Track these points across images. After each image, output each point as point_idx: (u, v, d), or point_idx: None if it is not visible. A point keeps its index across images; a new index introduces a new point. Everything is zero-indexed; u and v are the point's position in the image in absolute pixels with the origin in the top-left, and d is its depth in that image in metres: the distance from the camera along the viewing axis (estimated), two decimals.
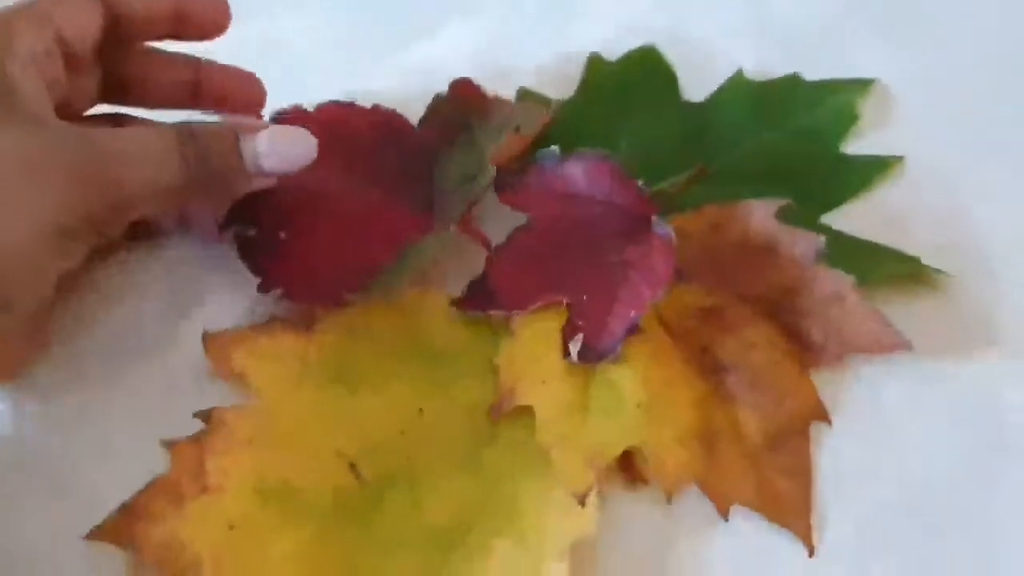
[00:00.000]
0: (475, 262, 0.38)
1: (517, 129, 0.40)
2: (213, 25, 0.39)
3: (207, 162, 0.34)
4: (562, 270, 0.38)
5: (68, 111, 0.36)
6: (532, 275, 0.38)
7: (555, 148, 0.39)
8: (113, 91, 0.39)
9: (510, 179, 0.40)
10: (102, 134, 0.33)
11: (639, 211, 0.38)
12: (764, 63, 0.48)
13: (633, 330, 0.36)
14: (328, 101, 0.43)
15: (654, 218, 0.38)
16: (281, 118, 0.42)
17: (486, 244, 0.39)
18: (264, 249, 0.39)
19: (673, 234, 0.37)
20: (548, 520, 0.34)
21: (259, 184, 0.38)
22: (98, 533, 0.33)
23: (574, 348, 0.36)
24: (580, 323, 0.36)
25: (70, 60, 0.35)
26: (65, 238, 0.31)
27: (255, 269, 0.39)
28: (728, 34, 0.49)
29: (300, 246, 0.39)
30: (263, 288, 0.38)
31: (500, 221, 0.39)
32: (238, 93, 0.40)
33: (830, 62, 0.47)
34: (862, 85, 0.47)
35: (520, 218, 0.39)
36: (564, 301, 0.37)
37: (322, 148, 0.41)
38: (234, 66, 0.41)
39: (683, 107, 0.47)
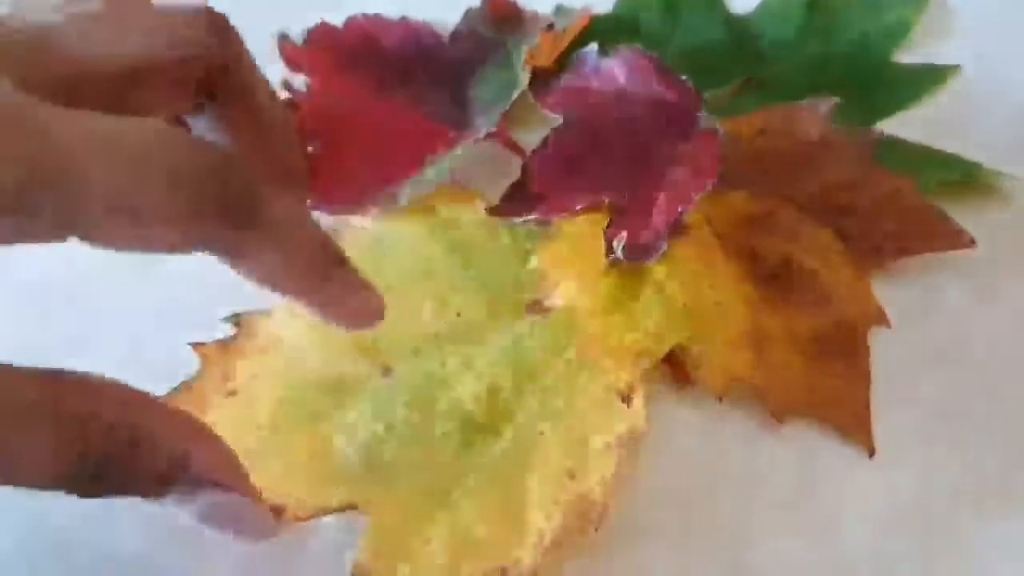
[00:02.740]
0: (511, 172, 0.37)
1: (551, 27, 0.38)
2: None
3: (202, 193, 0.25)
4: (603, 169, 0.36)
5: None
6: (572, 176, 0.36)
7: (594, 45, 0.38)
8: None
9: (546, 81, 0.38)
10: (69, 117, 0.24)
11: (685, 106, 0.36)
12: None
13: (679, 228, 0.35)
14: (356, 15, 0.41)
15: (701, 113, 0.36)
16: (312, 38, 0.40)
17: (520, 152, 0.38)
18: None
19: (720, 128, 0.35)
20: (594, 415, 0.32)
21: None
22: None
23: (618, 245, 0.34)
24: (623, 220, 0.35)
25: None
26: None
27: None
28: None
29: (328, 159, 0.38)
30: None
31: (537, 131, 0.37)
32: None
33: None
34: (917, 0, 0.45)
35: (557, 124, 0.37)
36: (606, 200, 0.35)
37: (353, 65, 0.40)
38: None
39: (729, 19, 0.45)
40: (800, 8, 0.45)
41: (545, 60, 0.39)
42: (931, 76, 0.42)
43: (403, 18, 0.42)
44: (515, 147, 0.38)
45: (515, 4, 0.43)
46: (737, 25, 0.45)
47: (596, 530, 0.30)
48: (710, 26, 0.44)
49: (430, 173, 0.37)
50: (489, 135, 0.38)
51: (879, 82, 0.42)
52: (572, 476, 0.31)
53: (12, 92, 0.24)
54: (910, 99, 0.42)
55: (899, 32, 0.44)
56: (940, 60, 0.43)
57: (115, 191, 0.23)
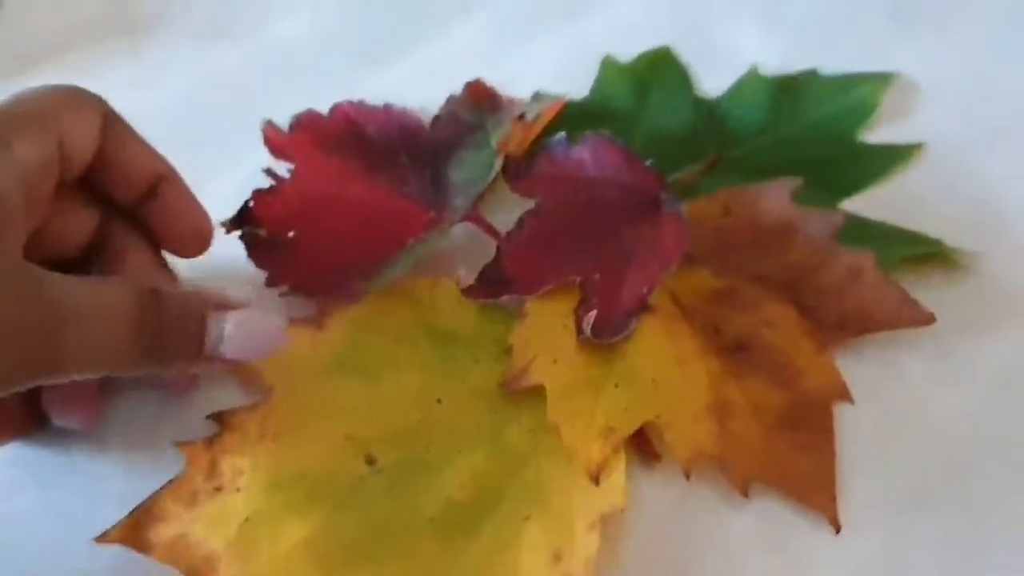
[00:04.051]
0: (485, 254, 0.38)
1: (522, 116, 0.40)
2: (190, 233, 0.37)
3: (163, 339, 0.30)
4: (574, 251, 0.38)
5: (45, 239, 0.33)
6: (544, 258, 0.38)
7: (562, 134, 0.39)
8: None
9: (518, 166, 0.39)
10: (58, 284, 0.28)
11: (648, 189, 0.38)
12: (779, 61, 0.47)
13: (646, 306, 0.36)
14: (341, 102, 0.43)
15: (663, 194, 0.37)
16: (298, 123, 0.42)
17: (494, 234, 0.39)
18: (273, 247, 0.39)
19: (684, 208, 0.37)
20: (575, 497, 0.33)
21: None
22: (109, 536, 0.32)
23: (587, 324, 0.35)
24: (593, 300, 0.36)
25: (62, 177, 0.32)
26: None
27: (263, 266, 0.39)
28: (742, 33, 0.49)
29: (308, 242, 0.39)
30: (270, 283, 0.39)
31: (510, 214, 0.39)
32: (187, 223, 0.36)
33: (847, 56, 0.47)
34: (883, 78, 0.47)
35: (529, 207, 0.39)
36: (576, 280, 0.36)
37: (337, 149, 0.42)
38: (194, 198, 0.37)
39: (698, 103, 0.47)
40: (768, 91, 0.46)
41: (518, 147, 0.40)
42: (895, 154, 0.44)
43: (386, 105, 0.43)
44: (490, 229, 0.39)
45: (494, 90, 0.45)
46: (706, 107, 0.46)
47: None
48: (679, 108, 0.46)
49: (408, 256, 0.38)
50: (465, 217, 0.39)
51: (845, 161, 0.44)
52: (558, 558, 0.32)
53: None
54: (875, 177, 0.43)
55: (864, 111, 0.45)
56: (905, 137, 0.45)
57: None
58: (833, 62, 0.47)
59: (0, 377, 0.27)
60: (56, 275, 0.29)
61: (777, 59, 0.48)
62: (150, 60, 0.48)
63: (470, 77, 0.44)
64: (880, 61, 0.47)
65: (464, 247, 0.40)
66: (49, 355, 0.28)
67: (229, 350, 0.31)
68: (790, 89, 0.47)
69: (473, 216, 0.39)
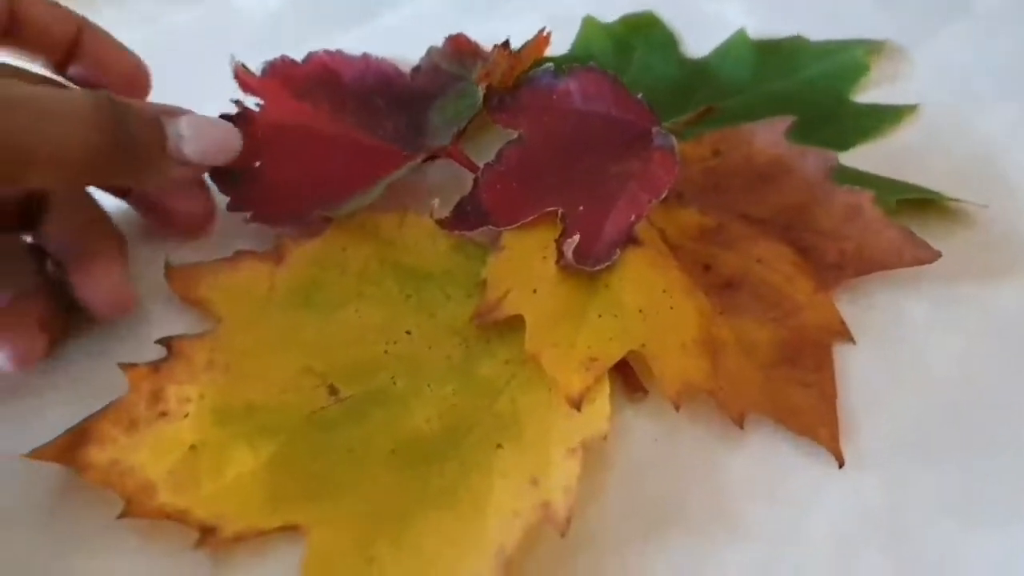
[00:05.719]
0: (461, 190, 0.36)
1: (507, 44, 0.38)
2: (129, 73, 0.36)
3: (127, 134, 0.30)
4: (556, 183, 0.35)
5: None
6: (524, 190, 0.35)
7: (549, 65, 0.37)
8: None
9: (501, 98, 0.37)
10: (14, 83, 0.29)
11: (640, 123, 0.36)
12: (767, 27, 0.46)
13: (631, 237, 0.34)
14: (317, 51, 0.41)
15: (655, 129, 0.35)
16: (271, 68, 0.40)
17: (473, 169, 0.37)
18: (235, 174, 0.36)
19: (676, 143, 0.34)
20: (554, 424, 0.30)
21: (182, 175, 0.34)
22: (41, 453, 0.29)
23: (568, 249, 0.33)
24: (576, 228, 0.34)
25: None
26: None
27: (226, 191, 0.36)
28: (727, 4, 0.48)
29: (274, 172, 0.37)
30: (231, 207, 0.36)
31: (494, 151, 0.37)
32: (120, 67, 0.36)
33: (835, 29, 0.46)
34: (872, 44, 0.45)
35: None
36: (559, 212, 0.34)
37: (309, 93, 0.40)
38: (120, 43, 0.37)
39: (683, 62, 0.45)
40: (753, 53, 0.45)
41: (502, 80, 0.38)
42: (889, 114, 0.42)
43: (364, 54, 0.41)
44: (469, 164, 0.37)
45: (476, 44, 0.43)
46: (692, 65, 0.45)
47: (563, 536, 0.28)
48: (665, 65, 0.44)
49: (376, 190, 0.36)
50: (443, 153, 0.37)
51: (837, 118, 0.42)
52: (535, 483, 0.29)
53: None
54: (868, 135, 0.42)
55: (855, 73, 0.44)
56: (898, 100, 0.43)
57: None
58: (820, 34, 0.46)
59: None
60: (11, 79, 0.29)
61: (763, 30, 0.46)
62: (108, 17, 0.45)
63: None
64: (869, 33, 0.46)
65: (440, 183, 0.38)
66: (14, 152, 0.27)
67: (189, 149, 0.32)
68: (778, 50, 0.45)
69: (451, 152, 0.37)
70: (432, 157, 0.38)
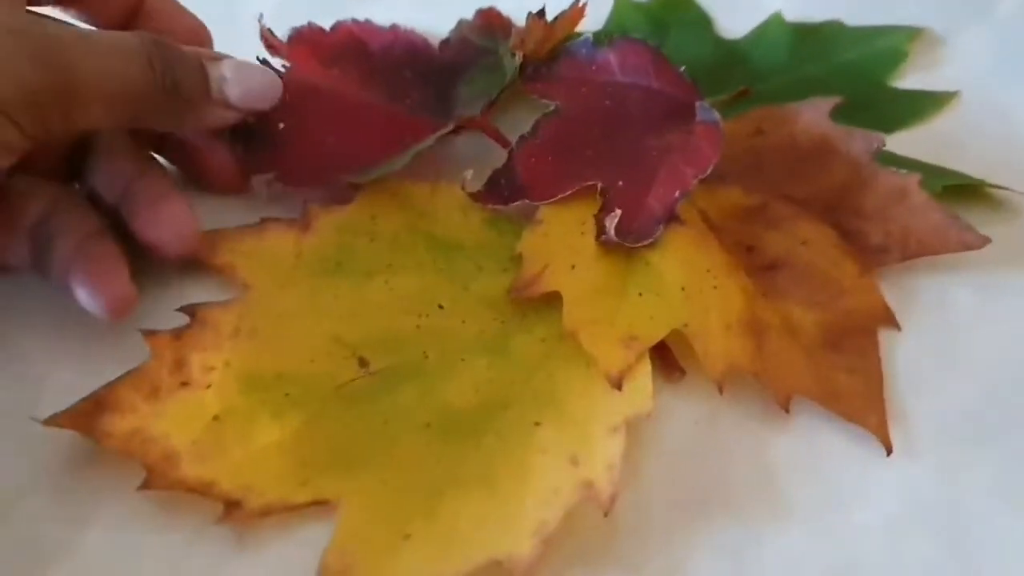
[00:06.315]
0: (494, 163, 0.35)
1: (541, 13, 0.36)
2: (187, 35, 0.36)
3: (173, 72, 0.30)
4: (594, 157, 0.34)
5: None
6: (561, 163, 0.34)
7: (588, 34, 0.36)
8: None
9: (537, 68, 0.36)
10: (57, 22, 0.29)
11: (682, 97, 0.35)
12: (801, 16, 0.45)
13: (673, 214, 0.32)
14: (345, 20, 0.40)
15: (699, 103, 0.34)
16: (297, 35, 0.39)
17: (505, 143, 0.36)
18: (259, 136, 0.35)
19: (720, 118, 0.33)
20: (595, 401, 0.29)
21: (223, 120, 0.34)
22: (57, 420, 0.28)
23: (610, 224, 0.31)
24: (617, 203, 0.32)
25: None
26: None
27: (247, 153, 0.35)
28: None
29: (299, 134, 0.36)
30: (254, 170, 0.35)
31: (526, 125, 0.35)
32: (182, 30, 0.36)
33: (872, 16, 0.45)
34: (910, 30, 0.44)
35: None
36: (598, 186, 0.33)
37: (336, 61, 0.39)
38: (182, 5, 0.37)
39: (719, 42, 0.44)
40: (789, 36, 0.44)
41: (536, 50, 0.37)
42: (929, 100, 0.41)
43: (393, 25, 0.40)
44: (499, 137, 0.36)
45: (507, 17, 0.42)
46: (727, 47, 0.44)
47: (606, 515, 0.27)
48: (700, 45, 0.43)
49: (404, 158, 0.35)
50: (473, 124, 0.36)
51: (876, 103, 0.41)
52: (575, 462, 0.28)
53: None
54: (907, 121, 0.40)
55: (894, 59, 0.43)
56: (937, 87, 0.42)
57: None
58: (858, 19, 0.45)
59: (32, 98, 0.27)
60: (53, 18, 0.30)
61: (799, 15, 0.45)
62: None
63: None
64: (907, 20, 0.45)
65: (469, 155, 0.37)
66: (65, 80, 0.27)
67: (232, 93, 0.32)
68: (815, 34, 0.44)
69: (480, 123, 0.36)
70: (461, 128, 0.36)
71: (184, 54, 0.31)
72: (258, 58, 0.37)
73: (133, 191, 0.32)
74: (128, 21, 0.35)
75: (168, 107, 0.31)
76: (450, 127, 0.35)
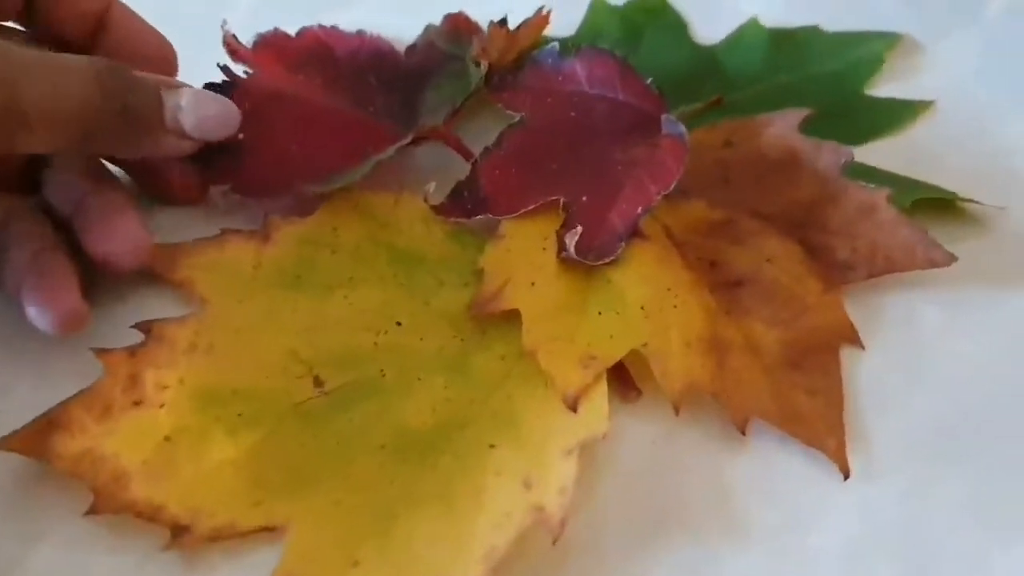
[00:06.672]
0: (458, 175, 0.34)
1: (504, 21, 0.36)
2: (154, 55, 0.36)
3: (126, 98, 0.30)
4: (559, 170, 0.34)
5: None
6: (525, 177, 0.34)
7: (555, 44, 0.36)
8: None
9: (503, 77, 0.36)
10: (8, 42, 0.28)
11: (649, 109, 0.34)
12: (782, 16, 0.44)
13: (636, 230, 0.32)
14: (311, 25, 0.40)
15: (665, 116, 0.34)
16: (263, 40, 0.38)
17: (466, 154, 0.36)
18: (218, 146, 0.34)
19: (686, 132, 0.33)
20: (552, 422, 0.29)
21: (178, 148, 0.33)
22: (7, 442, 0.28)
23: (571, 241, 0.31)
24: (579, 219, 0.32)
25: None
26: None
27: (204, 165, 0.35)
28: None
29: (257, 145, 0.35)
30: (211, 180, 0.35)
31: (490, 135, 0.35)
32: (146, 46, 0.35)
33: (851, 22, 0.44)
34: (888, 37, 0.44)
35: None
36: (561, 201, 0.33)
37: (302, 67, 0.38)
38: (147, 21, 0.36)
39: (694, 48, 0.43)
40: (769, 40, 0.43)
41: (500, 59, 0.36)
42: (904, 109, 0.41)
43: (360, 31, 0.40)
44: (461, 148, 0.36)
45: (475, 23, 0.41)
46: (702, 52, 0.43)
47: (554, 542, 0.26)
48: (675, 50, 0.43)
49: (363, 168, 0.34)
50: (435, 134, 0.35)
51: (850, 112, 0.41)
52: (528, 486, 0.27)
53: None
54: (882, 131, 0.40)
55: (870, 66, 0.42)
56: (913, 96, 0.41)
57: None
58: (837, 25, 0.44)
59: None
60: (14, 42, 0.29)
61: (778, 19, 0.44)
62: None
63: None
64: (886, 26, 0.44)
65: (434, 167, 0.36)
66: (14, 112, 0.27)
67: (187, 122, 0.32)
68: (791, 40, 0.44)
69: (442, 133, 0.36)
70: (423, 138, 0.36)
71: (140, 80, 0.31)
72: (219, 65, 0.36)
73: (87, 205, 0.32)
74: (91, 38, 0.34)
75: (120, 133, 0.30)
76: (409, 139, 0.35)
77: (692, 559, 0.28)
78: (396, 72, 0.39)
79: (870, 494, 0.29)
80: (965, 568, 0.28)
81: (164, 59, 0.35)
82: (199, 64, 0.36)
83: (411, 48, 0.40)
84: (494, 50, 0.36)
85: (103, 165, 0.34)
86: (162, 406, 0.29)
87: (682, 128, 0.33)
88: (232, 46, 0.37)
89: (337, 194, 0.34)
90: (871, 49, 0.43)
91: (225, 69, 0.36)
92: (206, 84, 0.35)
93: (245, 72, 0.37)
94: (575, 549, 0.28)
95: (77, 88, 0.28)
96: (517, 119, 0.35)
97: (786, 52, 0.43)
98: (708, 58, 0.43)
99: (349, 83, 0.38)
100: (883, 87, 0.42)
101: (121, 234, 0.31)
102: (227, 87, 0.36)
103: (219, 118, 0.33)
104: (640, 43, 0.43)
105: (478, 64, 0.36)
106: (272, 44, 0.39)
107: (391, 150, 0.34)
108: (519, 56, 0.37)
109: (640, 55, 0.43)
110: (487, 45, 0.36)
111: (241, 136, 0.35)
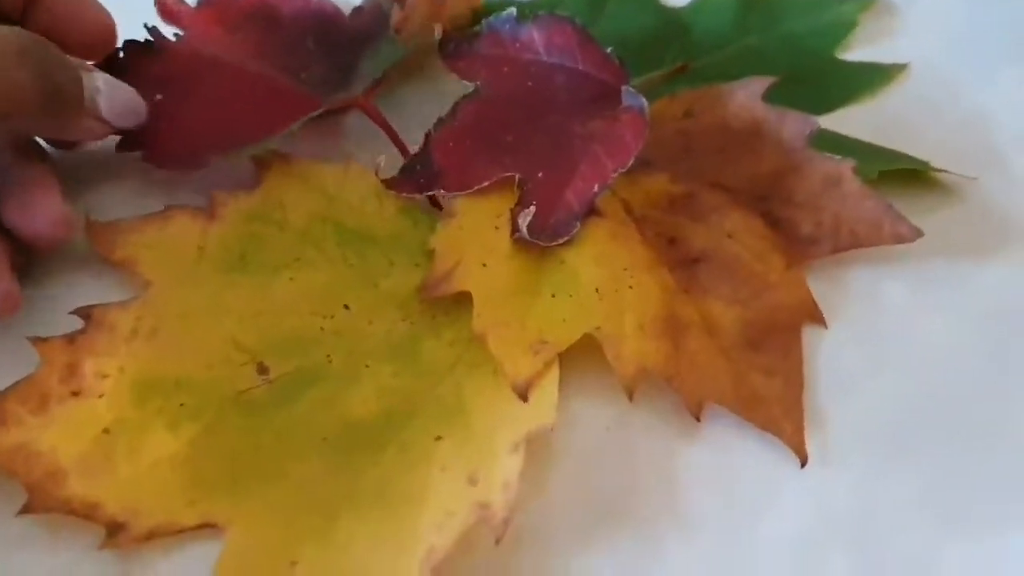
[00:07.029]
0: (380, 146, 0.34)
1: None
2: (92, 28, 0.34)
3: (51, 74, 0.29)
4: (516, 143, 0.33)
5: None
6: (480, 150, 0.33)
7: (512, 10, 0.34)
8: None
9: (457, 44, 0.34)
10: None
11: (608, 80, 0.33)
12: None
13: (592, 208, 0.31)
14: None
15: (625, 88, 0.32)
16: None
17: (384, 125, 0.34)
18: None
19: (646, 105, 0.32)
20: (499, 414, 0.28)
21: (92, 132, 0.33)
22: None
23: (524, 221, 0.30)
24: (533, 197, 0.31)
25: None
26: None
27: (117, 131, 0.33)
28: None
29: (173, 109, 0.34)
30: (121, 147, 0.34)
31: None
32: (83, 21, 0.34)
33: None
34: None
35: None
36: (516, 177, 0.31)
37: (241, 27, 0.37)
38: None
39: (660, 10, 0.42)
40: (735, 3, 0.42)
41: (423, 23, 0.35)
42: (877, 74, 0.40)
43: None
44: (380, 119, 0.34)
45: None
46: (668, 15, 0.42)
47: (497, 542, 0.25)
48: (641, 13, 0.41)
49: (286, 138, 0.33)
50: (354, 103, 0.34)
51: (822, 76, 0.39)
52: (473, 482, 0.26)
53: None
54: (853, 95, 0.39)
55: (842, 29, 0.41)
56: (887, 60, 0.40)
57: None
58: None
59: None
60: None
61: None
62: None
63: None
64: None
65: (362, 136, 0.35)
66: None
67: (104, 106, 0.31)
68: (761, 1, 0.42)
69: (362, 103, 0.34)
70: (344, 108, 0.35)
71: (64, 59, 0.30)
72: (146, 25, 0.35)
73: (8, 178, 0.31)
74: (25, 9, 0.33)
75: (45, 112, 0.29)
76: (321, 111, 0.34)
77: (640, 549, 0.27)
78: (338, 37, 0.37)
79: (826, 481, 0.28)
80: (918, 559, 0.27)
81: (102, 34, 0.34)
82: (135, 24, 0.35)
83: (357, 10, 0.39)
84: (416, 18, 0.34)
85: (30, 137, 0.33)
86: (101, 396, 0.28)
87: (643, 101, 0.32)
88: (166, 6, 0.36)
89: (281, 163, 0.33)
90: (844, 11, 0.42)
91: (153, 30, 0.35)
92: (125, 41, 0.34)
93: (175, 35, 0.35)
94: (524, 541, 0.27)
95: (5, 57, 0.27)
96: (472, 89, 0.33)
97: (756, 13, 0.42)
98: (675, 21, 0.41)
99: (286, 47, 0.37)
100: (856, 51, 0.41)
101: (41, 206, 0.30)
102: (146, 49, 0.34)
103: (129, 104, 0.32)
104: (604, 6, 0.42)
105: (399, 32, 0.34)
106: (217, 3, 0.37)
107: (299, 123, 0.33)
108: (475, 20, 0.35)
109: (604, 19, 0.41)
110: (408, 12, 0.34)
111: (159, 97, 0.34)
